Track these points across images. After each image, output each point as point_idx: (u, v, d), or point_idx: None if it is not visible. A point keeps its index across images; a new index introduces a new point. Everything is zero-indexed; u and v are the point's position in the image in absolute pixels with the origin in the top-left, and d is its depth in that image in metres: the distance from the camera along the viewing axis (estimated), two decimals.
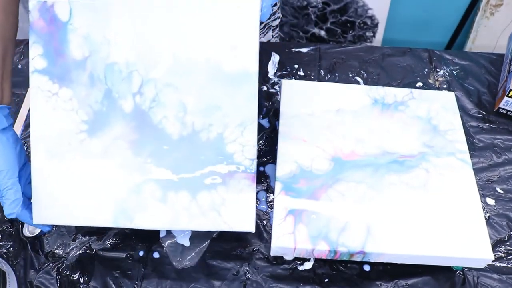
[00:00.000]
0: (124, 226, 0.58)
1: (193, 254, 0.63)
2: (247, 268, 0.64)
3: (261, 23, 0.96)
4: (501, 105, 0.81)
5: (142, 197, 0.58)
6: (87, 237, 0.66)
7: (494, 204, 0.71)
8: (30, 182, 0.58)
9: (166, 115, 0.57)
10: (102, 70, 0.57)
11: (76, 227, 0.67)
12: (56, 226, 0.67)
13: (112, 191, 0.58)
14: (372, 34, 1.32)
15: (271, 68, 0.88)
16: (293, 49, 0.92)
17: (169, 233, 0.65)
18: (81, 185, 0.58)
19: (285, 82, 0.75)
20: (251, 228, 0.58)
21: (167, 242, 0.64)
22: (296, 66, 0.89)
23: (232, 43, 0.56)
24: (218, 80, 0.57)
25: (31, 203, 0.58)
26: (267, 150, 0.76)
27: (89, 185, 0.58)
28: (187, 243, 0.64)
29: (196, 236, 0.64)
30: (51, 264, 0.63)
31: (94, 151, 0.58)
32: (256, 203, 0.70)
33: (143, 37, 0.56)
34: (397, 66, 0.90)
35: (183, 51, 0.56)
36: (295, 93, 0.73)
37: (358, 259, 0.59)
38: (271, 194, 0.70)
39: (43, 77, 0.57)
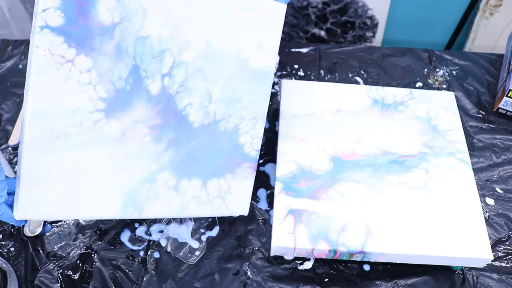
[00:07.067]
0: (132, 217, 0.54)
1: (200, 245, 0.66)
2: (247, 268, 0.64)
3: None
4: (500, 105, 0.81)
5: (155, 186, 0.54)
6: (88, 237, 0.66)
7: (494, 204, 0.71)
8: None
9: (191, 102, 0.55)
10: (132, 43, 0.49)
11: (77, 226, 0.67)
12: (52, 222, 0.67)
13: (124, 179, 0.52)
14: (372, 34, 1.32)
15: None
16: (293, 49, 0.92)
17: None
18: (88, 172, 0.50)
19: (285, 82, 0.75)
20: (245, 212, 0.63)
21: (169, 244, 0.65)
22: (296, 66, 0.89)
23: (259, 42, 0.58)
24: (244, 74, 0.58)
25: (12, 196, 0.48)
26: (267, 150, 0.76)
27: (99, 172, 0.51)
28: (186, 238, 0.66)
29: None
30: (52, 264, 0.63)
31: (110, 134, 0.50)
32: (256, 200, 0.70)
33: (181, 14, 0.51)
34: (397, 66, 0.90)
35: (217, 39, 0.55)
36: (295, 93, 0.74)
37: (358, 259, 0.59)
38: (271, 193, 0.70)
39: (56, 37, 0.45)
